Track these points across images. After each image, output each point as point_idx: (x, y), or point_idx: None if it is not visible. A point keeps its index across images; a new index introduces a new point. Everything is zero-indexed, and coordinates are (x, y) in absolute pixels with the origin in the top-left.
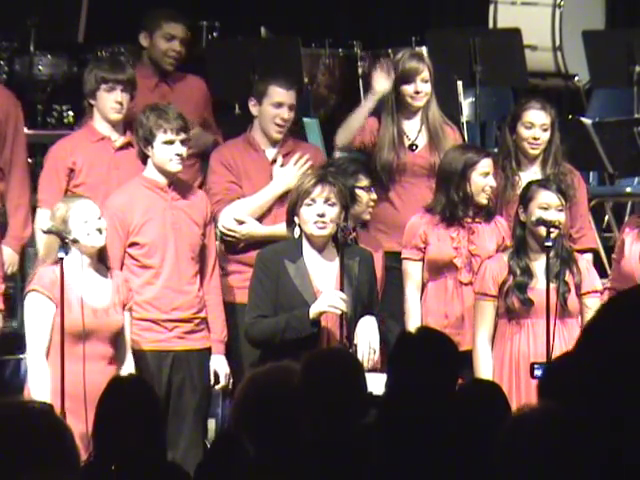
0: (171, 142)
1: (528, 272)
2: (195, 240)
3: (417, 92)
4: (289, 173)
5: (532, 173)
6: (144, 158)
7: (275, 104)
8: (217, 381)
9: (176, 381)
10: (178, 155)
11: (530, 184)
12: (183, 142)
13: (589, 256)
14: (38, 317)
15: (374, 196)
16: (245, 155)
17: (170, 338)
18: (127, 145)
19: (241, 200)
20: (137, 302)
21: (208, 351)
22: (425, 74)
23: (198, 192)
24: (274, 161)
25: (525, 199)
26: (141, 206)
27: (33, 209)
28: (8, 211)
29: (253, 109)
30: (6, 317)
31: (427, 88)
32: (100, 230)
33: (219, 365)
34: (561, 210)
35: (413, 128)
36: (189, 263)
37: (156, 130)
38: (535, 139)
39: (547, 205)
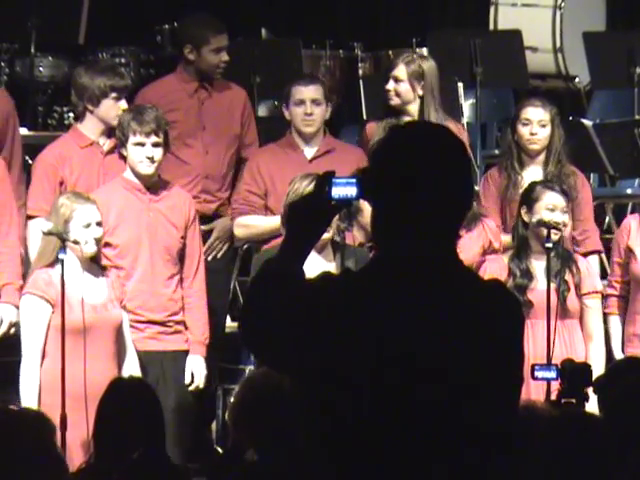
0: (142, 144)
1: (528, 274)
2: (172, 243)
3: (387, 90)
4: None
5: (534, 172)
6: (124, 158)
7: (298, 102)
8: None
9: (148, 381)
10: (149, 158)
11: (534, 184)
12: (156, 145)
13: (594, 258)
14: (33, 319)
15: None
16: (282, 155)
17: (142, 338)
18: (114, 149)
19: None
20: None
21: (185, 353)
22: (398, 72)
23: (181, 194)
24: (312, 159)
25: (529, 200)
26: (116, 207)
27: None
28: None
29: (286, 113)
30: None
31: (401, 88)
32: (96, 240)
33: (196, 366)
34: (566, 212)
35: None
36: (165, 265)
37: (128, 131)
38: (532, 134)
39: (553, 206)
